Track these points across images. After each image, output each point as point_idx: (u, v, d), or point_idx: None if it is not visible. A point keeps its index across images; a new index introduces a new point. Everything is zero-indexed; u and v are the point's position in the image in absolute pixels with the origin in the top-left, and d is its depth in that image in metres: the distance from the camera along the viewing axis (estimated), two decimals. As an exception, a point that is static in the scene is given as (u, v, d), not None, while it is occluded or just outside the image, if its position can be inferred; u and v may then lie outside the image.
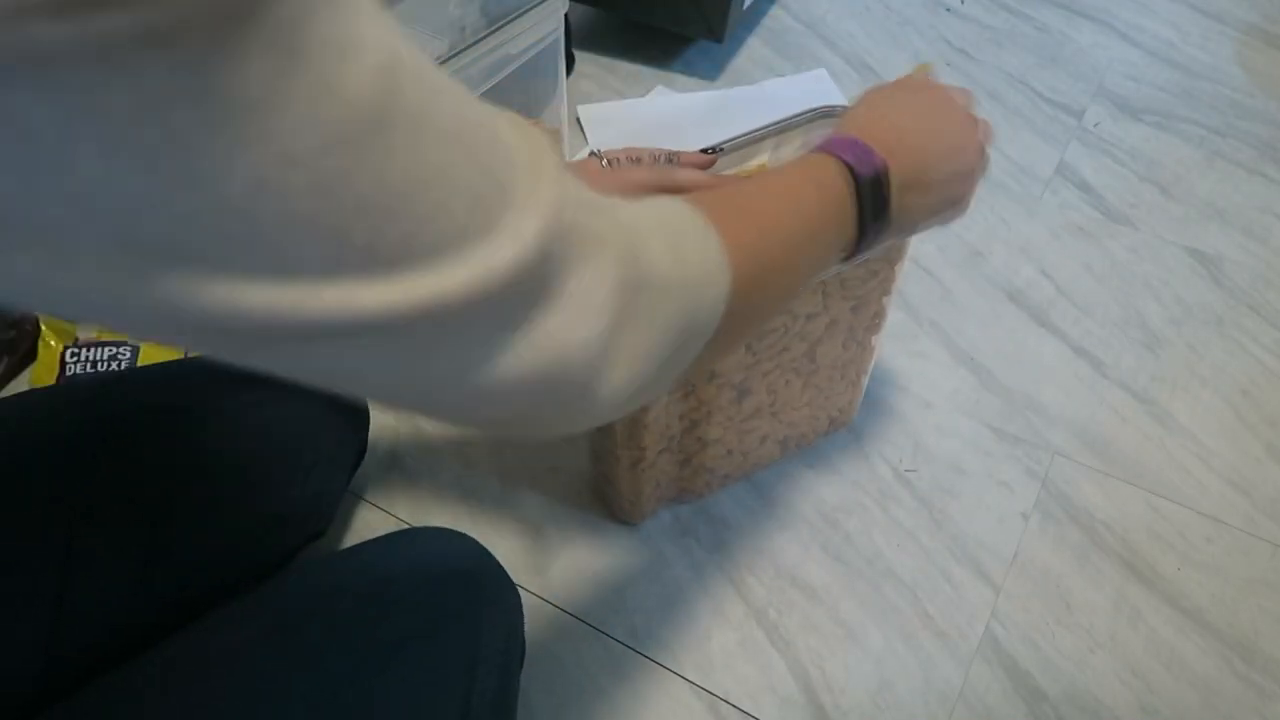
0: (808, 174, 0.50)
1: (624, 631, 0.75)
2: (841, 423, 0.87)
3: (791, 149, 0.69)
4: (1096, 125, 1.21)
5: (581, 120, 1.18)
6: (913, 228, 0.58)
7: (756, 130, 0.68)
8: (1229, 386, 0.93)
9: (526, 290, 0.30)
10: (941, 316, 0.98)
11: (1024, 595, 0.77)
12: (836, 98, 1.23)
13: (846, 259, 0.54)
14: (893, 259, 0.69)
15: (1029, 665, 0.73)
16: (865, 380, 0.83)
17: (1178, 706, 0.71)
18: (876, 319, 0.75)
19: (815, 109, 0.70)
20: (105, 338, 0.88)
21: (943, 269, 1.03)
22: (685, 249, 0.38)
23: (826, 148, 0.52)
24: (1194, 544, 0.81)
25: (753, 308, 0.44)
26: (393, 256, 0.26)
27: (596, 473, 0.81)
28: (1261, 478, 0.85)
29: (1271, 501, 0.84)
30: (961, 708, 0.71)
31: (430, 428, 0.88)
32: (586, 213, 0.32)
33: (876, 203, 0.52)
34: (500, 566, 0.62)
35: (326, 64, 0.23)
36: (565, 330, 0.32)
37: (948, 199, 0.59)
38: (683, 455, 0.76)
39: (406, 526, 0.81)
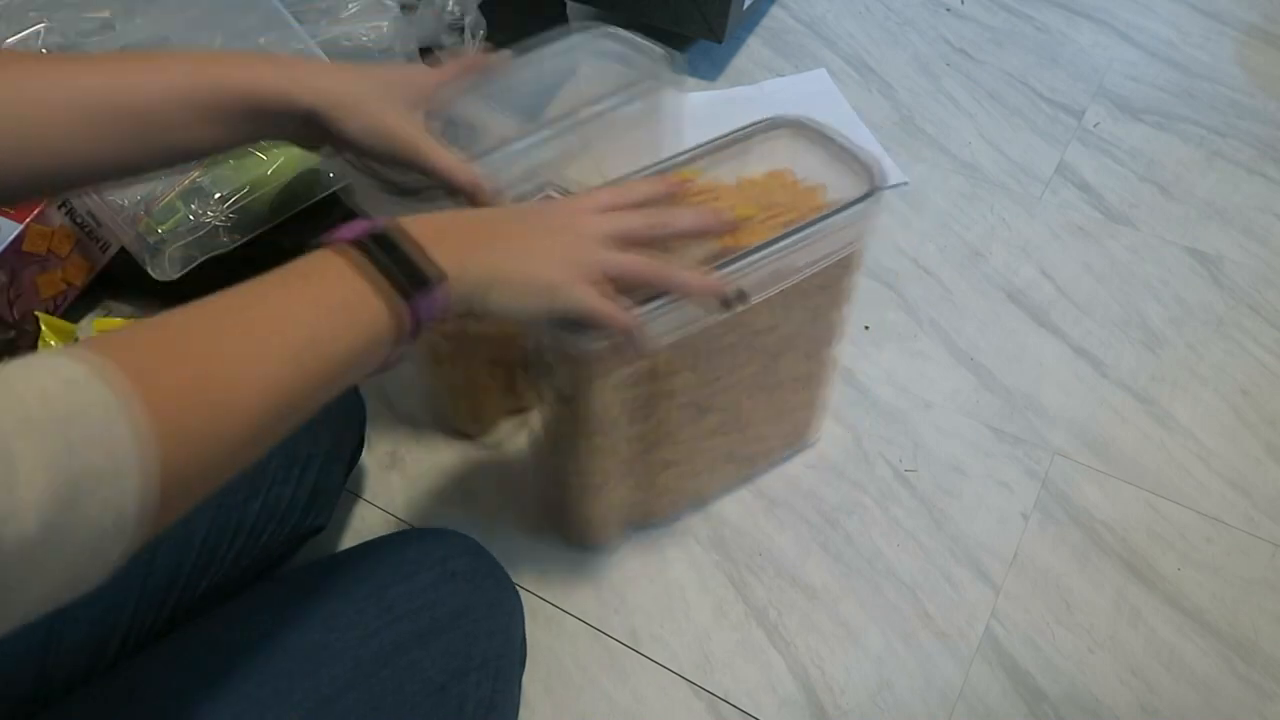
0: (283, 277, 0.42)
1: (624, 631, 0.75)
2: (806, 442, 0.85)
3: (753, 159, 0.69)
4: (1096, 125, 1.21)
5: None
6: (517, 294, 0.50)
7: (703, 145, 0.67)
8: (1229, 386, 0.93)
9: None
10: (941, 316, 0.98)
11: (1024, 595, 0.77)
12: (837, 98, 1.23)
13: (423, 329, 0.45)
14: (850, 268, 0.68)
15: (1029, 665, 0.73)
16: (826, 396, 0.81)
17: (1178, 706, 0.71)
18: (832, 332, 0.74)
19: (769, 119, 0.69)
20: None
21: (943, 269, 1.03)
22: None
23: (324, 238, 0.45)
24: (1194, 544, 0.81)
25: (217, 459, 0.37)
26: None
27: (548, 498, 0.80)
28: (1261, 478, 0.85)
29: (1271, 501, 0.84)
30: (961, 708, 0.71)
31: (430, 427, 0.88)
32: None
33: (406, 266, 0.44)
34: (500, 568, 0.62)
35: None
36: None
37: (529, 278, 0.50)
38: (641, 478, 0.73)
39: (406, 526, 0.81)
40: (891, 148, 1.17)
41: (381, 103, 0.57)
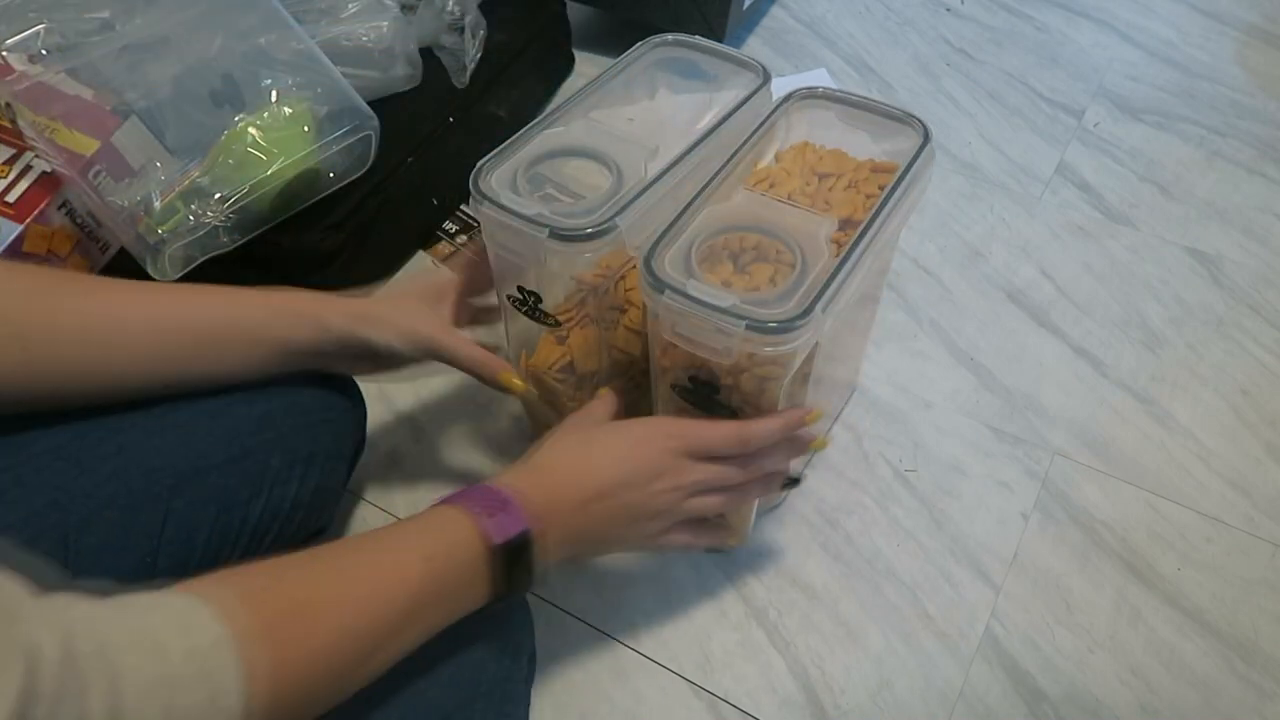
0: (419, 545, 0.50)
1: (624, 631, 0.75)
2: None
3: (778, 136, 0.70)
4: (1096, 125, 1.21)
5: None
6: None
7: (702, 141, 0.67)
8: (1229, 386, 0.93)
9: None
10: (941, 316, 0.98)
11: (1024, 595, 0.77)
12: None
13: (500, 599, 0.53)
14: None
15: (1029, 665, 0.73)
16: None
17: (1178, 706, 0.71)
18: (870, 326, 0.74)
19: (783, 97, 0.71)
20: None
21: (943, 269, 1.03)
22: (175, 686, 0.37)
23: (466, 503, 0.53)
24: (1194, 544, 0.81)
25: (319, 683, 0.44)
26: None
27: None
28: (1261, 478, 0.85)
29: (1271, 501, 0.84)
30: (961, 708, 0.71)
31: (430, 428, 0.88)
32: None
33: (521, 578, 0.53)
34: None
35: None
36: None
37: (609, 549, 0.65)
38: None
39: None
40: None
41: (406, 313, 0.66)
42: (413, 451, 0.86)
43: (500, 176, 0.65)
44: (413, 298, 0.68)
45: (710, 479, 0.61)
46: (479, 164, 0.65)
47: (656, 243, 0.60)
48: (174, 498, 0.58)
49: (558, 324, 0.69)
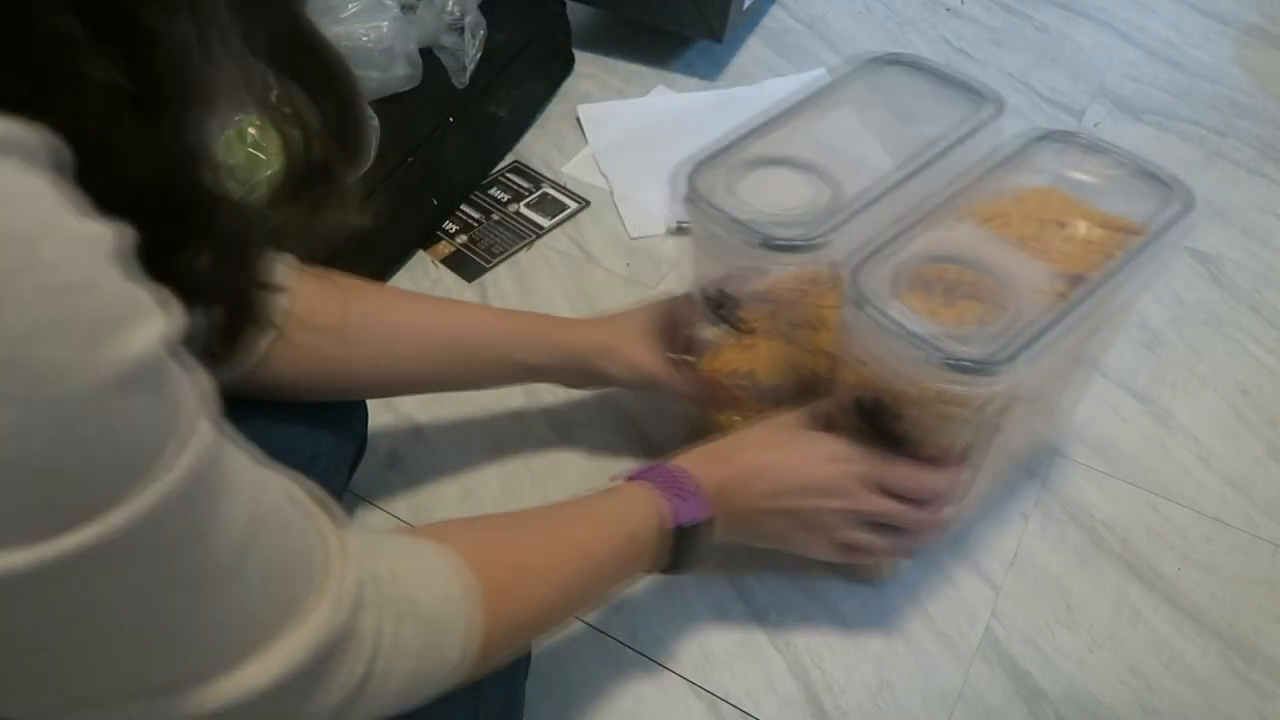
0: (624, 523, 0.56)
1: (624, 631, 0.75)
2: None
3: (1017, 174, 0.66)
4: (1096, 125, 1.21)
5: (582, 120, 1.18)
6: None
7: (926, 167, 0.65)
8: (1229, 386, 0.93)
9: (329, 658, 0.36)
10: (941, 316, 0.98)
11: (1024, 595, 0.77)
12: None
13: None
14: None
15: (1029, 665, 0.73)
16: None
17: (1178, 706, 0.71)
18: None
19: (1036, 131, 0.68)
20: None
21: (943, 269, 1.03)
22: (430, 609, 0.42)
23: (660, 486, 0.58)
24: (1194, 544, 0.81)
25: (513, 643, 0.49)
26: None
27: None
28: (1261, 478, 0.85)
29: (1271, 501, 0.84)
30: (961, 708, 0.71)
31: (430, 427, 0.88)
32: (373, 588, 0.39)
33: (693, 555, 0.60)
34: None
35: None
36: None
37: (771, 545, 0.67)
38: None
39: (406, 527, 0.81)
40: (891, 148, 1.17)
41: (634, 346, 0.73)
42: (413, 451, 0.86)
43: (714, 178, 0.64)
44: (636, 330, 0.74)
45: (879, 513, 0.62)
46: (694, 163, 0.65)
47: (868, 257, 0.59)
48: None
49: (751, 332, 0.69)
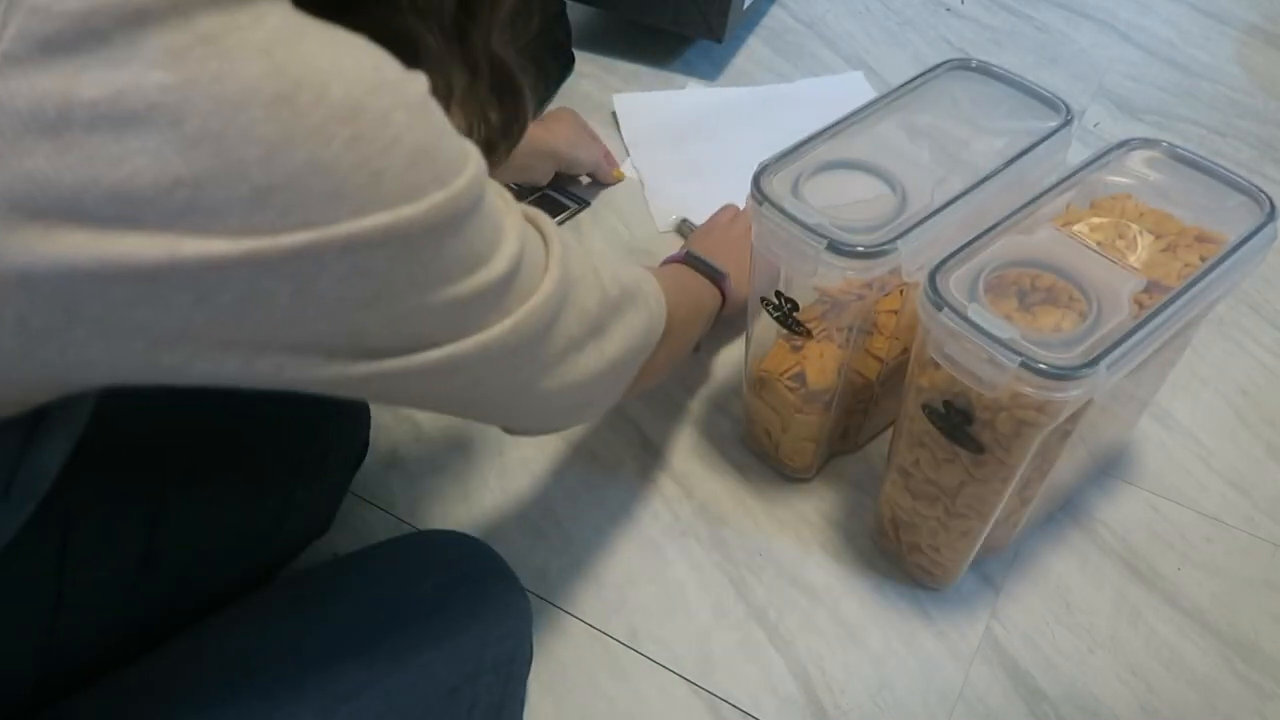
0: (709, 291, 0.77)
1: (624, 631, 0.75)
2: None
3: (1096, 189, 0.68)
4: (1097, 125, 1.21)
5: (616, 111, 1.18)
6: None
7: (994, 175, 0.66)
8: (1229, 386, 0.93)
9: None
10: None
11: (1024, 595, 0.77)
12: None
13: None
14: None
15: (1029, 665, 0.73)
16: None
17: (1178, 706, 0.71)
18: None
19: (1129, 140, 0.69)
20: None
21: (943, 269, 1.03)
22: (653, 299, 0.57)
23: (708, 271, 0.78)
24: (1194, 544, 0.81)
25: (669, 349, 0.61)
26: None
27: (915, 557, 0.76)
28: (1261, 478, 0.85)
29: (1271, 501, 0.84)
30: (961, 708, 0.71)
31: (430, 427, 0.88)
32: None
33: (709, 268, 0.78)
34: (510, 571, 0.62)
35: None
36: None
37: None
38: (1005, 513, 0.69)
39: (406, 526, 0.81)
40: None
41: (581, 140, 1.04)
42: (413, 451, 0.86)
43: (782, 180, 0.64)
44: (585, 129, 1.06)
45: None
46: (763, 164, 0.66)
47: (945, 260, 0.59)
48: (176, 496, 0.58)
49: (809, 334, 0.69)
